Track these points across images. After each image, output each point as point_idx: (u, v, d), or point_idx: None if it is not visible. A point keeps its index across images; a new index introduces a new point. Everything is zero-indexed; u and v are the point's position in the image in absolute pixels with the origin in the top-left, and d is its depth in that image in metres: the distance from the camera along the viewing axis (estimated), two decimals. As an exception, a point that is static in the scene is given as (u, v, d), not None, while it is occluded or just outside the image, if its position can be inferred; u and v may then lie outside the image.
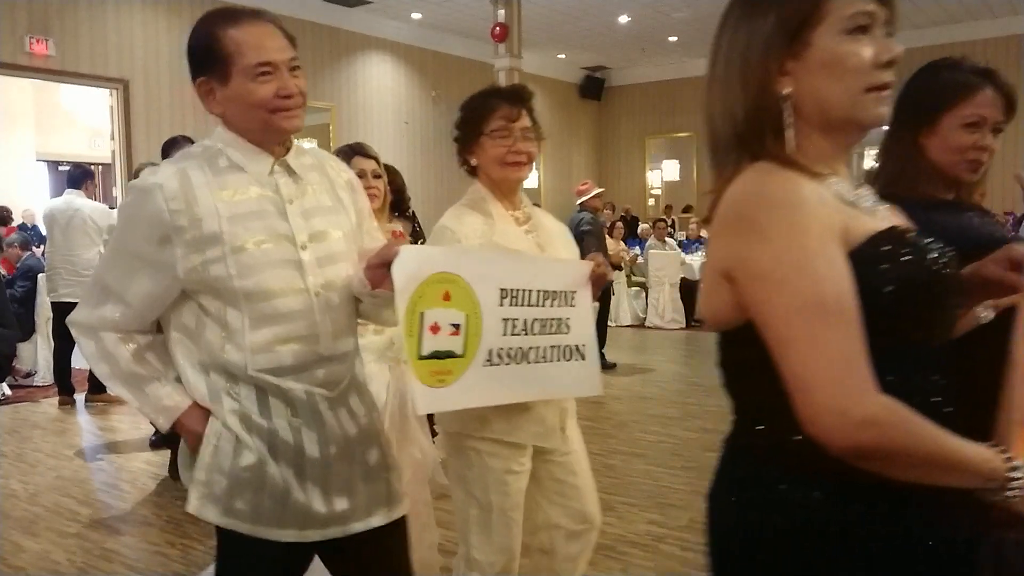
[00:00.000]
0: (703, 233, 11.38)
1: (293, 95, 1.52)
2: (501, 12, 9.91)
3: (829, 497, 1.01)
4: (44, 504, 3.96)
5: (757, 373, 1.03)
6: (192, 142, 3.83)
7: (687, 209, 14.39)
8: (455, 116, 2.14)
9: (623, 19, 11.48)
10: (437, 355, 1.66)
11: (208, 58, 1.51)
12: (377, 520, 1.67)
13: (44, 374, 6.93)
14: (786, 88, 1.06)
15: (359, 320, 1.73)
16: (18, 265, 7.13)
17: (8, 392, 6.41)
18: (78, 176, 6.15)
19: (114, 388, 1.61)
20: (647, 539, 3.31)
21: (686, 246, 10.83)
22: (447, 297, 1.66)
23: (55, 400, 6.16)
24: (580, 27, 11.81)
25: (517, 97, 2.08)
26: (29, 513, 3.84)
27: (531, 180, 14.19)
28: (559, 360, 1.90)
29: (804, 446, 0.97)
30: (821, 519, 1.01)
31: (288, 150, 1.62)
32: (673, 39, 12.54)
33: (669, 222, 11.91)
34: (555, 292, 1.88)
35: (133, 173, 5.31)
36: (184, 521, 3.64)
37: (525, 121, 2.05)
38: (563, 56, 13.73)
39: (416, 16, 11.01)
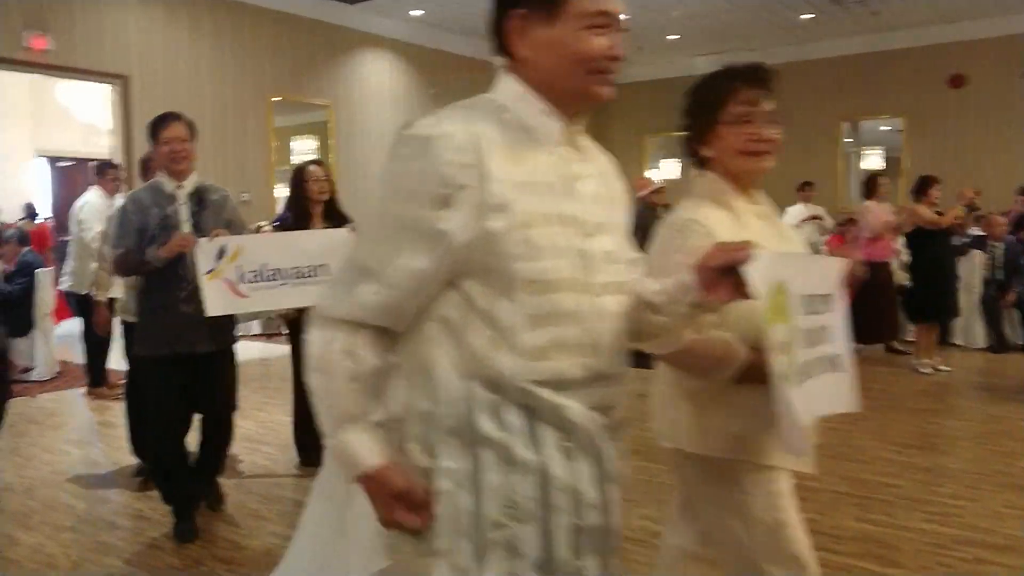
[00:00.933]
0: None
1: (619, 59, 1.31)
2: (500, 9, 9.90)
3: None
4: (39, 498, 3.97)
5: None
6: (181, 119, 3.36)
7: (686, 207, 14.41)
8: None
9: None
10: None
11: None
12: None
13: (41, 369, 6.95)
14: None
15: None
16: (17, 260, 7.13)
17: (5, 387, 6.42)
18: (92, 172, 6.40)
19: (316, 405, 1.30)
20: (641, 534, 3.30)
21: (684, 244, 10.83)
22: (780, 310, 1.42)
23: (53, 395, 6.18)
24: (579, 25, 11.81)
25: (758, 77, 1.80)
26: (24, 507, 3.84)
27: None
28: (824, 373, 1.62)
29: None
30: None
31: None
32: (672, 37, 12.53)
33: (668, 220, 11.91)
34: (824, 296, 1.64)
35: (139, 163, 5.32)
36: (179, 515, 3.64)
37: (768, 104, 1.78)
38: (562, 54, 13.72)
39: (416, 13, 11.01)
